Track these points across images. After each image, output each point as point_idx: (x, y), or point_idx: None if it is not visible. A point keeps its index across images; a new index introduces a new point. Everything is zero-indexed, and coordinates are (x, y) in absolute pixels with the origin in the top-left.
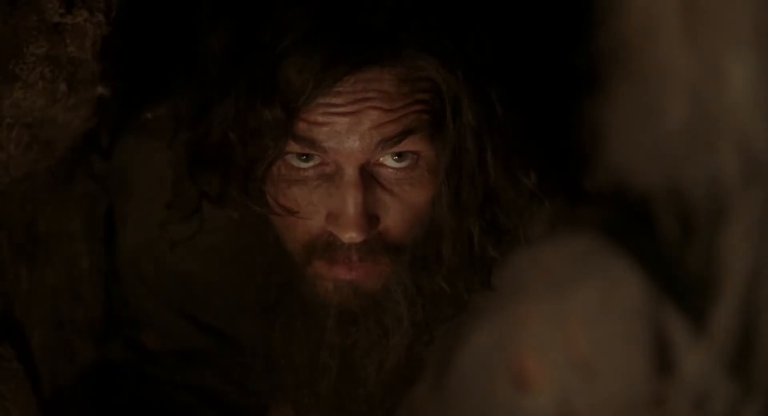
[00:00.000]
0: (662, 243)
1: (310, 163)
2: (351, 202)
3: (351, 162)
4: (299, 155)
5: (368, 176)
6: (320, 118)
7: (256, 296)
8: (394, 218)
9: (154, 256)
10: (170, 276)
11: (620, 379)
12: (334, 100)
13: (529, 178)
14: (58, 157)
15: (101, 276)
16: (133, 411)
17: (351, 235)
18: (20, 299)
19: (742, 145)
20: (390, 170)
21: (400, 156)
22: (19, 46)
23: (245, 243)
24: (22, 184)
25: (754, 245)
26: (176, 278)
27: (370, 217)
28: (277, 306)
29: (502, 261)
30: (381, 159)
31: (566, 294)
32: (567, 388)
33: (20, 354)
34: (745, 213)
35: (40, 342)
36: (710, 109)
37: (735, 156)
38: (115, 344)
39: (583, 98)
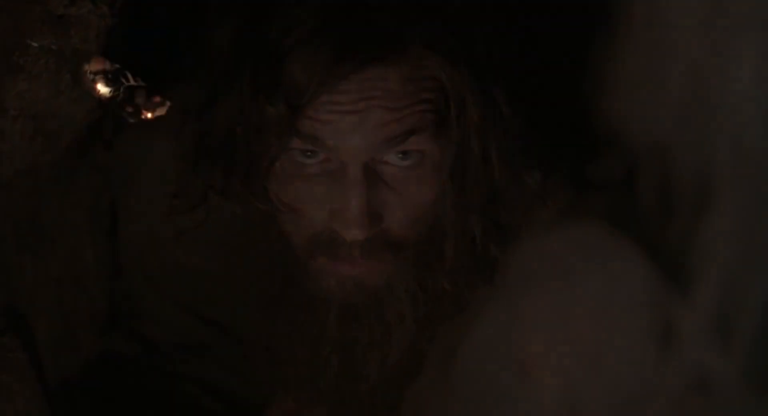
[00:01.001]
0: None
1: (315, 160)
2: (354, 200)
3: (355, 160)
4: (303, 152)
5: (372, 174)
6: (325, 116)
7: (259, 290)
8: (397, 216)
9: (156, 249)
10: (173, 270)
11: (625, 368)
12: (338, 98)
13: (533, 177)
14: (62, 148)
15: (105, 268)
16: (136, 402)
17: (354, 233)
18: (25, 290)
19: (736, 134)
20: (394, 168)
21: (405, 154)
22: (24, 38)
23: (249, 237)
24: (26, 175)
25: (737, 237)
26: (179, 271)
27: (373, 215)
28: (280, 300)
29: (504, 260)
30: (385, 157)
31: (571, 284)
32: (572, 378)
33: (25, 345)
34: (731, 203)
35: (45, 333)
36: (709, 93)
37: (728, 144)
38: (118, 336)
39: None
